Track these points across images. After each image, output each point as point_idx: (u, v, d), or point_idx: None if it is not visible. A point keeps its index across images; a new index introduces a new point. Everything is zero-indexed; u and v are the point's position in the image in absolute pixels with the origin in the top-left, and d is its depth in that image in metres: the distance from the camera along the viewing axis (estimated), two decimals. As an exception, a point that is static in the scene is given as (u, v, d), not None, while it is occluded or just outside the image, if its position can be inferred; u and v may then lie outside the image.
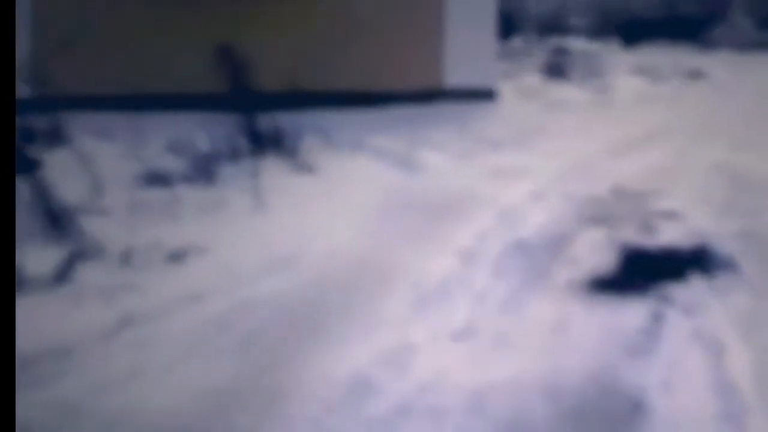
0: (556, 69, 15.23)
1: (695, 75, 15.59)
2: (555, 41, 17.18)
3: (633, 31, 21.28)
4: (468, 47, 10.69)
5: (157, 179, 5.85)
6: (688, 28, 21.52)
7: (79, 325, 3.71)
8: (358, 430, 2.90)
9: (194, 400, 3.10)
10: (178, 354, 3.49)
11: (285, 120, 6.93)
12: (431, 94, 10.24)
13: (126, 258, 4.43)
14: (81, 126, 6.48)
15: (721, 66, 16.72)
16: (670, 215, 5.54)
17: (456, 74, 10.62)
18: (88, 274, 4.25)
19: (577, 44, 16.69)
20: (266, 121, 6.79)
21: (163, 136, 6.80)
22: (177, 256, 4.53)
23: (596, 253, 4.78)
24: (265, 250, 4.73)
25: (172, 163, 6.18)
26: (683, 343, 3.56)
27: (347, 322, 3.80)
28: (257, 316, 3.87)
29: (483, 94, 10.97)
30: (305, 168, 6.52)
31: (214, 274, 4.37)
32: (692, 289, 4.18)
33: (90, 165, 5.45)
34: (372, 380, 3.23)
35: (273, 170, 6.32)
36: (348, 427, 2.92)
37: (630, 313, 3.89)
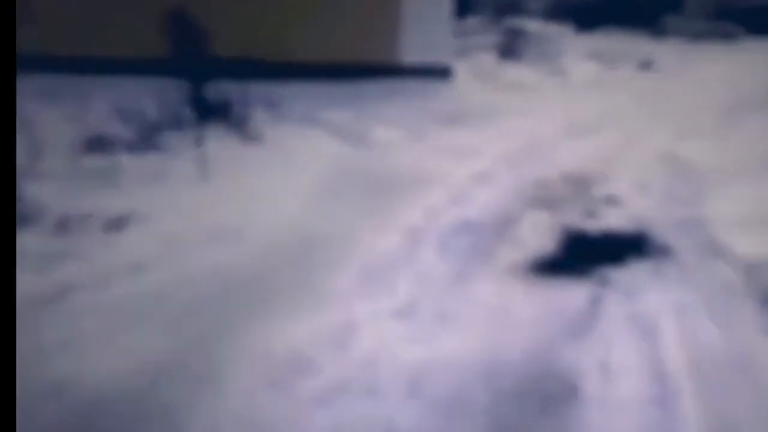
0: (511, 50, 15.22)
1: (647, 62, 15.74)
2: (510, 22, 17.12)
3: (588, 16, 21.40)
4: (424, 24, 10.60)
5: (99, 145, 5.71)
6: (642, 16, 21.73)
7: (18, 291, 3.64)
8: (294, 407, 2.88)
9: (132, 369, 3.08)
10: (117, 323, 3.44)
11: (235, 90, 6.81)
12: (386, 70, 10.15)
13: (63, 225, 4.33)
14: (24, 87, 6.26)
15: (672, 54, 16.89)
16: (614, 200, 5.60)
17: (412, 51, 10.53)
18: (24, 239, 4.14)
19: (532, 26, 16.65)
20: (216, 89, 6.66)
21: (109, 101, 6.63)
22: (117, 225, 4.44)
23: (540, 235, 4.82)
24: (208, 221, 4.65)
25: (116, 129, 6.04)
26: (620, 326, 3.61)
27: (289, 296, 3.77)
28: (198, 288, 3.81)
29: (438, 72, 10.92)
30: (253, 139, 6.42)
31: (154, 243, 4.29)
32: (631, 273, 4.24)
33: (31, 128, 5.30)
34: (312, 357, 3.21)
35: (220, 140, 6.21)
36: (284, 403, 2.90)
37: (570, 295, 3.93)
